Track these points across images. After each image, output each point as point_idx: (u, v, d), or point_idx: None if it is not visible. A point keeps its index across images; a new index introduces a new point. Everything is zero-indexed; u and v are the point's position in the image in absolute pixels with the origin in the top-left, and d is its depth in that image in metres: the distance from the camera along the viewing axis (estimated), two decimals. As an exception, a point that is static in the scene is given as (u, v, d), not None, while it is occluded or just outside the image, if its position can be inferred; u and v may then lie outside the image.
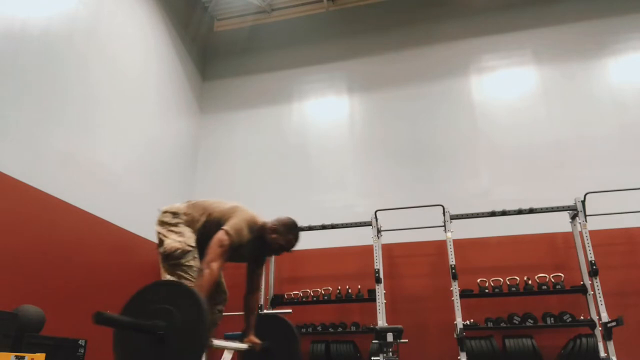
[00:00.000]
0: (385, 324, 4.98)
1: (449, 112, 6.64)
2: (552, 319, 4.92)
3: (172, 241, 2.54)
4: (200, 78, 7.94)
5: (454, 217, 5.37)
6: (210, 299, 2.80)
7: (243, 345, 2.75)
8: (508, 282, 5.22)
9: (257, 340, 2.81)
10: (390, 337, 4.14)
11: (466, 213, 5.38)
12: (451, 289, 5.01)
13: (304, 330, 5.56)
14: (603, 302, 4.59)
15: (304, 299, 5.77)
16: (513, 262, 5.54)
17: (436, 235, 5.47)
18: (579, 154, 5.93)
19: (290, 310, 5.42)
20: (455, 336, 4.83)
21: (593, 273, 4.73)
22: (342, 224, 5.78)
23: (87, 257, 4.73)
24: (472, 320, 5.06)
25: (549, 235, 5.61)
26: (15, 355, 2.54)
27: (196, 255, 2.55)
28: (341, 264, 6.09)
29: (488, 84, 6.73)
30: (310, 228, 5.80)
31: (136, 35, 6.20)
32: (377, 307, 5.12)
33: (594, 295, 4.72)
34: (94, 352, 3.64)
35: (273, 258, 6.10)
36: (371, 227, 5.55)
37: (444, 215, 5.36)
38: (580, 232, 5.00)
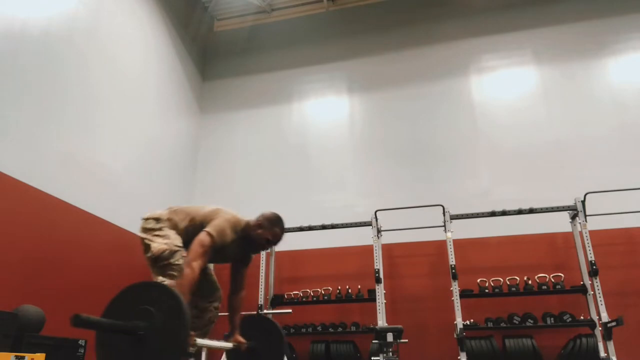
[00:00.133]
0: (385, 324, 4.98)
1: (449, 112, 6.64)
2: (552, 319, 4.92)
3: (159, 244, 2.56)
4: (200, 78, 7.94)
5: (454, 217, 5.37)
6: (204, 297, 2.84)
7: (228, 345, 2.75)
8: (508, 282, 5.22)
9: (242, 340, 2.83)
10: (390, 337, 4.14)
11: (466, 213, 5.38)
12: (451, 289, 5.01)
13: (304, 330, 5.56)
14: (603, 302, 4.59)
15: (304, 299, 5.77)
16: (513, 262, 5.54)
17: (436, 235, 5.47)
18: (579, 154, 5.93)
19: (290, 310, 5.42)
20: (455, 336, 4.83)
21: (593, 273, 4.73)
22: (342, 224, 5.78)
23: (87, 257, 4.73)
24: (472, 320, 5.05)
25: (549, 235, 5.61)
26: (15, 355, 2.54)
27: (184, 254, 2.57)
28: (341, 264, 6.09)
29: (488, 84, 6.73)
30: (310, 228, 5.80)
31: (136, 35, 6.20)
32: (377, 307, 5.12)
33: (594, 295, 4.72)
34: (94, 352, 3.64)
35: (273, 258, 6.10)
36: (371, 227, 5.55)
37: (444, 215, 5.36)
38: (580, 232, 5.00)
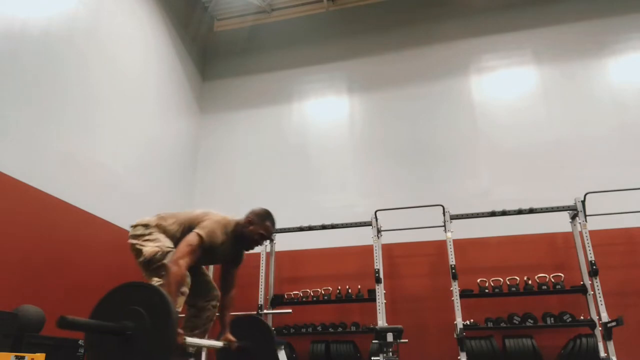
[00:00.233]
0: (385, 324, 4.98)
1: (449, 112, 6.64)
2: (552, 319, 4.91)
3: (151, 247, 2.59)
4: (200, 78, 7.94)
5: (454, 217, 5.37)
6: (202, 297, 2.86)
7: (218, 343, 2.76)
8: (508, 282, 5.22)
9: (232, 338, 2.85)
10: (390, 337, 4.14)
11: (466, 213, 5.38)
12: (451, 289, 5.00)
13: (304, 330, 5.56)
14: (603, 302, 4.59)
15: (304, 299, 5.77)
16: (513, 262, 5.54)
17: (436, 235, 5.47)
18: (579, 154, 5.93)
19: (290, 310, 5.42)
20: (455, 336, 4.83)
21: (593, 273, 4.73)
22: (342, 224, 5.78)
23: (87, 257, 4.73)
24: (472, 320, 5.05)
25: (549, 235, 5.61)
26: (15, 355, 2.54)
27: None
28: (341, 264, 6.09)
29: (488, 84, 6.73)
30: (310, 228, 5.80)
31: (136, 35, 6.20)
32: (377, 307, 5.12)
33: (594, 295, 4.72)
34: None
35: (273, 258, 6.10)
36: (371, 227, 5.55)
37: (444, 215, 5.36)
38: (580, 232, 5.00)
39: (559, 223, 5.37)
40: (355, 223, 5.72)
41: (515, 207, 5.28)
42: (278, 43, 7.91)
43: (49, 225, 4.31)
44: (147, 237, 2.66)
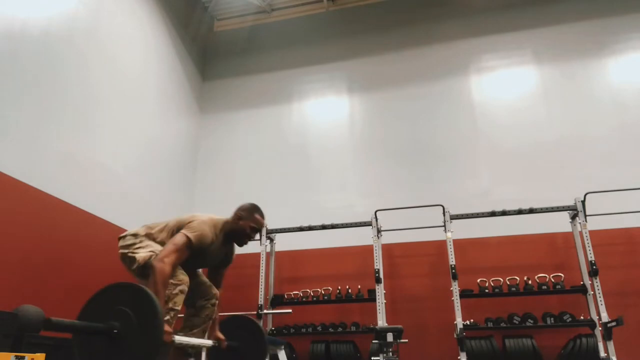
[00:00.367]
0: (385, 324, 4.98)
1: (449, 112, 6.64)
2: (552, 319, 4.91)
3: (144, 253, 2.61)
4: (200, 78, 7.94)
5: (454, 217, 5.37)
6: (201, 297, 2.88)
7: (208, 342, 2.77)
8: (508, 282, 5.21)
9: (222, 337, 2.85)
10: (390, 337, 4.14)
11: (466, 213, 5.38)
12: (451, 289, 5.01)
13: (304, 330, 5.56)
14: (603, 302, 4.59)
15: (304, 299, 5.77)
16: (513, 262, 5.54)
17: (436, 235, 5.47)
18: (579, 154, 5.93)
19: (290, 310, 5.42)
20: (455, 336, 4.83)
21: (593, 273, 4.73)
22: (342, 224, 5.78)
23: (87, 257, 4.73)
24: (472, 320, 5.05)
25: (549, 235, 5.61)
26: (15, 355, 2.53)
27: None
28: (341, 264, 6.09)
29: (488, 84, 6.73)
30: (310, 228, 5.80)
31: (136, 35, 6.20)
32: (377, 307, 5.12)
33: (594, 295, 4.72)
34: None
35: (273, 258, 6.09)
36: (371, 227, 5.55)
37: (444, 215, 5.36)
38: (580, 232, 5.00)
39: (559, 223, 5.37)
40: (355, 223, 5.72)
41: (515, 207, 5.28)
42: (278, 43, 7.91)
43: (49, 225, 4.31)
44: (138, 245, 2.69)
